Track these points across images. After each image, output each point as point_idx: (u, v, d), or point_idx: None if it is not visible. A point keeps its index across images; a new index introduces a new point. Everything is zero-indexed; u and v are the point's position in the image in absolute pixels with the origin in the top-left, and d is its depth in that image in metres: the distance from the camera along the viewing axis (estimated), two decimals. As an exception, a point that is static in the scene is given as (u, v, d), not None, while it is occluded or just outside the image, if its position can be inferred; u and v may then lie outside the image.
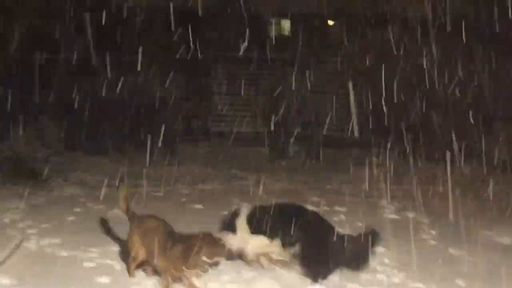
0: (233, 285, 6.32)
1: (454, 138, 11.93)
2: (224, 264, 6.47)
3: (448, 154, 11.53)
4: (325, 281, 6.37)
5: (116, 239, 7.20)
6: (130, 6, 14.31)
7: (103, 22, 12.60)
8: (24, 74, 14.33)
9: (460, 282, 6.48)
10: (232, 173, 12.30)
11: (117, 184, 6.75)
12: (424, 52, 14.00)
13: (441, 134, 13.34)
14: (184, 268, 5.99)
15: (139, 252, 6.24)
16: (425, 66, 13.78)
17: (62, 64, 14.58)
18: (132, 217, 6.48)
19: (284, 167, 12.73)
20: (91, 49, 14.63)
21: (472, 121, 12.87)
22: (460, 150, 12.48)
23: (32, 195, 9.89)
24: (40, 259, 6.86)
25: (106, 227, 6.98)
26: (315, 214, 7.05)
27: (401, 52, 13.78)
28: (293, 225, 6.47)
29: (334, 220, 8.82)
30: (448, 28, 12.64)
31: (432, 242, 7.99)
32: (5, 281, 6.00)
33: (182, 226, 8.07)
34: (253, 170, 12.13)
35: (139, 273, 6.41)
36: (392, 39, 13.49)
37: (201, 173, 12.21)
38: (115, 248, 7.21)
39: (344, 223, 8.75)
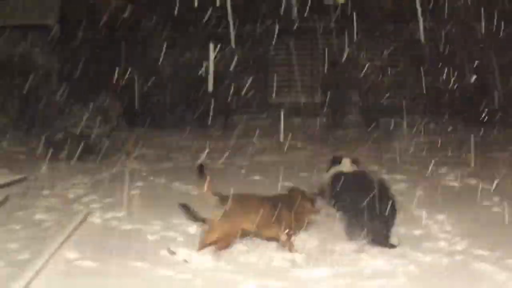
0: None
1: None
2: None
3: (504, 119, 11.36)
4: (385, 249, 6.37)
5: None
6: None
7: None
8: (83, 52, 14.55)
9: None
10: (290, 144, 12.29)
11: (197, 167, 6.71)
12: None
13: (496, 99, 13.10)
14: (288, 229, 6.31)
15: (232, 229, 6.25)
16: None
17: (119, 40, 14.75)
18: (221, 198, 6.40)
19: (342, 136, 12.67)
20: (147, 25, 14.71)
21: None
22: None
23: (95, 171, 10.12)
24: (104, 233, 6.99)
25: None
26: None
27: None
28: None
29: (394, 189, 8.82)
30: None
31: (495, 209, 7.86)
32: (72, 254, 6.12)
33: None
34: (311, 141, 12.11)
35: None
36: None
37: (259, 144, 12.24)
38: (177, 220, 7.28)
39: (405, 191, 8.70)
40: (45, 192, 8.73)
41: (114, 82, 13.37)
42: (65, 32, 14.76)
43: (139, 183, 9.27)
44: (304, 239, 6.69)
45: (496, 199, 8.20)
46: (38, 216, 7.59)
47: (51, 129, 11.38)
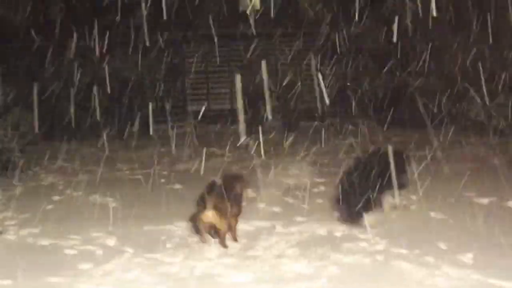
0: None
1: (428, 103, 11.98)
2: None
3: (425, 118, 11.62)
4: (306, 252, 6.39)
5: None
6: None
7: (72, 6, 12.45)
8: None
9: (442, 245, 6.50)
10: (210, 152, 12.24)
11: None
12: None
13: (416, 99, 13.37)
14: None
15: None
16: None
17: (35, 51, 14.42)
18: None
19: (261, 142, 12.67)
20: (59, 35, 14.42)
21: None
22: (436, 114, 12.56)
23: (9, 186, 9.83)
24: (20, 250, 6.80)
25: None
26: None
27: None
28: None
29: (314, 191, 8.90)
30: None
31: (413, 207, 8.00)
32: (-13, 274, 5.95)
33: (162, 207, 8.13)
34: (230, 147, 12.10)
35: (119, 261, 6.39)
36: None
37: (178, 153, 12.14)
38: (96, 234, 7.19)
39: (325, 193, 8.77)
40: (-44, 210, 8.42)
41: (28, 94, 13.04)
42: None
43: (56, 197, 9.07)
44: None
45: (413, 197, 8.34)
46: (-51, 235, 7.32)
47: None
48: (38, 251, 6.74)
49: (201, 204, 6.68)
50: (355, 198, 7.19)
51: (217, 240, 6.76)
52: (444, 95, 13.32)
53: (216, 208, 6.57)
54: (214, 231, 6.77)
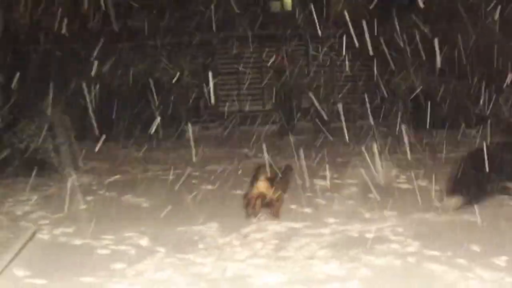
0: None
1: (459, 105, 11.88)
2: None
3: (455, 121, 11.53)
4: (338, 253, 6.38)
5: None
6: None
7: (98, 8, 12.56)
8: (30, 65, 14.34)
9: (475, 247, 6.43)
10: (241, 153, 12.28)
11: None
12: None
13: (447, 101, 13.28)
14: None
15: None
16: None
17: (66, 52, 14.58)
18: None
19: (293, 143, 12.67)
20: (93, 38, 14.55)
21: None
22: (466, 116, 12.45)
23: (43, 186, 9.96)
24: (54, 249, 6.88)
25: None
26: None
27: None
28: None
29: (345, 192, 8.88)
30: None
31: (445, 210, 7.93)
32: (20, 272, 6.01)
33: (194, 208, 8.18)
34: (262, 149, 12.10)
35: (151, 261, 6.44)
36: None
37: (211, 154, 12.19)
38: (128, 234, 7.24)
39: (356, 194, 8.75)
40: (-8, 210, 8.55)
41: (62, 95, 13.21)
42: (9, 44, 14.49)
43: (89, 197, 9.16)
44: (257, 246, 6.69)
45: (446, 199, 8.26)
46: (-15, 235, 7.43)
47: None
48: (71, 251, 6.80)
49: (253, 181, 7.78)
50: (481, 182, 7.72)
51: (248, 240, 6.79)
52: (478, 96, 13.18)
53: (267, 180, 7.62)
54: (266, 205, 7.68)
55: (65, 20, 14.64)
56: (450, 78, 13.93)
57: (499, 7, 11.70)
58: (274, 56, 15.60)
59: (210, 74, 15.65)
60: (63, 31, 14.38)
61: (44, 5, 14.91)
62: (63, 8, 14.74)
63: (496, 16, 12.01)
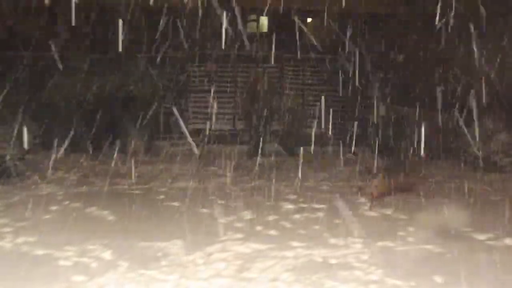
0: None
1: (427, 134, 11.99)
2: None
3: (425, 150, 11.62)
4: (301, 277, 6.38)
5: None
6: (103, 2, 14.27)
7: (77, 19, 12.49)
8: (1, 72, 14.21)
9: (438, 279, 6.47)
10: (210, 171, 12.27)
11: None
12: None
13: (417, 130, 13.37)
14: None
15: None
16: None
17: (37, 61, 14.47)
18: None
19: (261, 164, 12.70)
20: (65, 47, 14.48)
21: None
22: (436, 146, 12.56)
23: (7, 194, 9.85)
24: (15, 258, 6.80)
25: None
26: None
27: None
28: None
29: (311, 217, 8.90)
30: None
31: (410, 239, 7.98)
32: (-21, 281, 5.95)
33: (159, 223, 8.15)
34: (231, 168, 12.11)
35: (113, 275, 6.39)
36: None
37: (178, 170, 12.16)
38: (91, 246, 7.19)
39: (322, 220, 8.77)
40: (-46, 215, 8.43)
41: (31, 104, 13.11)
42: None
43: (54, 207, 9.07)
44: (221, 266, 6.68)
45: (411, 229, 8.33)
46: None
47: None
48: (32, 261, 6.72)
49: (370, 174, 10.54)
50: None
51: (211, 259, 6.79)
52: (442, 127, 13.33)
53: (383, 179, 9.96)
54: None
55: (39, 29, 14.62)
56: (422, 107, 14.06)
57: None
58: (248, 77, 15.68)
59: (182, 91, 15.75)
60: (36, 39, 14.35)
61: (19, 14, 14.84)
62: (37, 17, 14.70)
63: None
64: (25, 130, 11.46)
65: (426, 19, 13.06)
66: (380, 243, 7.67)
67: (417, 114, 13.54)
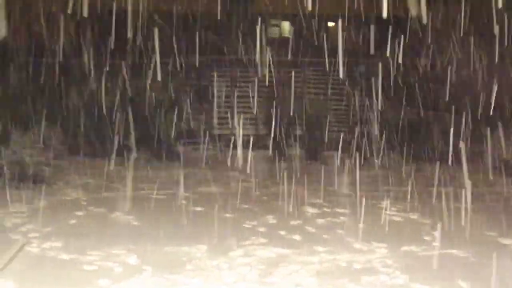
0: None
1: (454, 139, 11.91)
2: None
3: (450, 155, 11.55)
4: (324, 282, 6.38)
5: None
6: (127, 9, 14.35)
7: (103, 26, 12.61)
8: (25, 79, 14.37)
9: (463, 283, 6.44)
10: (233, 176, 12.29)
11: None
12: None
13: (441, 134, 13.30)
14: None
15: None
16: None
17: (61, 68, 14.61)
18: None
19: (284, 169, 12.71)
20: (92, 54, 14.61)
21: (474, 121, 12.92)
22: (461, 151, 12.47)
23: (34, 199, 9.92)
24: (41, 263, 6.86)
25: None
26: None
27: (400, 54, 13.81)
28: None
29: (335, 221, 8.90)
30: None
31: (435, 244, 7.95)
32: (7, 285, 6.00)
33: (183, 228, 8.18)
34: (254, 172, 12.13)
35: (138, 279, 6.43)
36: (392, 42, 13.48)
37: (202, 175, 12.21)
38: (116, 251, 7.23)
39: (345, 224, 8.77)
40: (-19, 220, 8.52)
41: (57, 109, 13.25)
42: (5, 58, 14.52)
43: (79, 213, 9.13)
44: (245, 271, 6.69)
45: (436, 233, 8.30)
46: (-27, 245, 7.40)
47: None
48: (58, 265, 6.78)
49: None
50: None
51: (235, 263, 6.81)
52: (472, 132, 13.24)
53: None
54: None
55: (63, 35, 14.76)
56: (444, 111, 13.99)
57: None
58: (271, 82, 15.69)
59: (205, 96, 15.80)
60: (61, 46, 14.49)
61: (44, 20, 15.00)
62: (61, 24, 14.84)
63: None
64: (50, 136, 11.59)
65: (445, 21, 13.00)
66: (404, 248, 7.65)
67: (442, 118, 13.49)
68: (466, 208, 9.18)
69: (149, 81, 14.93)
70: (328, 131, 14.96)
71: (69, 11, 11.56)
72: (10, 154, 10.96)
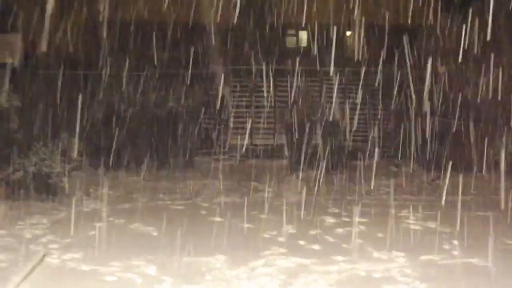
0: None
1: (475, 148, 11.87)
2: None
3: (470, 163, 11.52)
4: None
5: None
6: (144, 20, 14.47)
7: (123, 36, 12.71)
8: (45, 91, 14.49)
9: (483, 293, 6.43)
10: (251, 186, 12.31)
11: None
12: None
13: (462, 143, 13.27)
14: None
15: None
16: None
17: (80, 79, 14.74)
18: None
19: (303, 178, 12.72)
20: (110, 65, 14.73)
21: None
22: (481, 159, 12.43)
23: (54, 210, 10.00)
24: (62, 274, 6.90)
25: None
26: None
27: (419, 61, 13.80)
28: None
29: (354, 231, 8.88)
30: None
31: (454, 252, 7.92)
32: (29, 296, 6.06)
33: (202, 238, 8.20)
34: (272, 183, 12.14)
35: (158, 287, 6.45)
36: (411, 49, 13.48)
37: (220, 186, 12.23)
38: (136, 262, 7.26)
39: (365, 234, 8.75)
40: (2, 232, 8.58)
41: (76, 121, 13.34)
42: (26, 70, 14.66)
43: (99, 224, 9.17)
44: (264, 281, 6.69)
45: (456, 242, 8.27)
46: (-6, 256, 7.47)
47: (9, 168, 11.23)
48: (79, 276, 6.82)
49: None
50: None
51: (255, 273, 6.81)
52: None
53: None
54: None
55: (82, 47, 14.90)
56: (467, 120, 13.92)
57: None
58: (288, 91, 15.73)
59: (222, 106, 15.84)
60: (80, 57, 14.62)
61: (62, 32, 15.13)
62: (80, 36, 14.98)
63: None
64: (70, 147, 11.67)
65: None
66: (424, 257, 7.62)
67: (465, 127, 13.46)
68: (486, 217, 9.16)
69: (167, 92, 15.04)
70: (349, 140, 14.96)
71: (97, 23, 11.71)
72: (30, 165, 11.02)
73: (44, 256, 7.41)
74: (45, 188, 10.72)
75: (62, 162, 11.07)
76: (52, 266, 7.20)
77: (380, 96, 15.96)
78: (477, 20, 12.90)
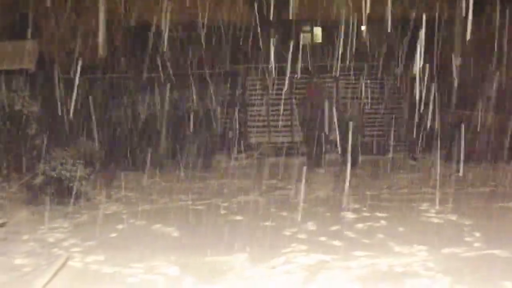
0: None
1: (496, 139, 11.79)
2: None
3: (490, 155, 11.45)
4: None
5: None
6: (161, 22, 14.49)
7: (136, 39, 12.75)
8: (63, 95, 14.56)
9: (508, 284, 6.38)
10: (270, 184, 12.31)
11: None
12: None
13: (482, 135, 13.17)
14: None
15: None
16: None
17: (99, 83, 14.80)
18: None
19: (321, 175, 12.72)
20: (127, 67, 14.79)
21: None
22: (501, 150, 12.36)
23: (75, 214, 10.05)
24: (85, 277, 6.96)
25: None
26: None
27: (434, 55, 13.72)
28: None
29: (374, 226, 8.87)
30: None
31: (476, 244, 7.88)
32: (52, 299, 6.10)
33: (223, 238, 8.22)
34: (291, 180, 12.13)
35: (180, 287, 6.48)
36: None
37: (239, 184, 12.25)
38: (157, 263, 7.29)
39: (386, 228, 8.73)
40: (25, 237, 8.63)
41: (95, 125, 13.42)
42: (44, 74, 14.73)
43: (120, 226, 9.22)
44: (285, 278, 6.70)
45: (477, 234, 8.24)
46: (18, 261, 7.51)
47: (30, 173, 11.32)
48: (102, 279, 6.87)
49: None
50: None
51: (276, 271, 6.83)
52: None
53: None
54: None
55: (100, 51, 14.97)
56: (486, 112, 13.82)
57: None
58: (305, 88, 15.69)
59: (239, 105, 15.85)
60: (97, 62, 14.68)
61: (79, 36, 15.20)
62: (98, 39, 15.05)
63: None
64: (89, 150, 11.74)
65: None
66: (446, 250, 7.60)
67: (480, 117, 13.37)
68: (507, 208, 9.12)
69: (184, 92, 15.06)
70: (366, 136, 14.93)
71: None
72: (50, 170, 11.09)
73: (67, 259, 7.46)
74: (66, 192, 10.77)
75: (82, 166, 11.12)
76: (75, 269, 7.24)
77: (397, 90, 15.88)
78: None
